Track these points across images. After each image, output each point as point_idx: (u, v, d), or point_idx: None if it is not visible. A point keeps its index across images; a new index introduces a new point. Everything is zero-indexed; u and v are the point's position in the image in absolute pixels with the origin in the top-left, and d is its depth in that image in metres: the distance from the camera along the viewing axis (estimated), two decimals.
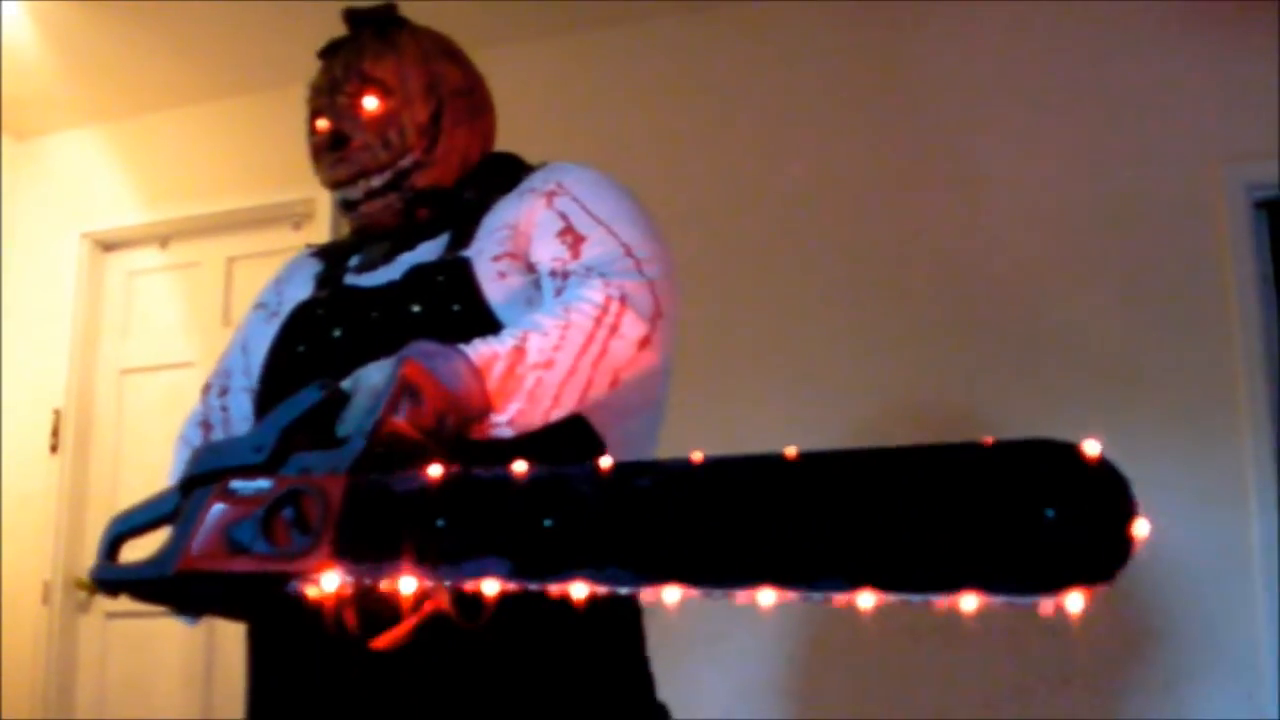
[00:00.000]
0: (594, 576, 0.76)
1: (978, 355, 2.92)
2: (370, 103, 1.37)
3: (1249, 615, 2.59)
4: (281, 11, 3.41)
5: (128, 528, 1.00)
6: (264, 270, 4.00)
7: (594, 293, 1.16)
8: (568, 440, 1.16)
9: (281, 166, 3.81)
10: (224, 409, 1.42)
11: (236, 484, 0.90)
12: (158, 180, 3.96)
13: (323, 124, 1.39)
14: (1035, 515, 0.71)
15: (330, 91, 1.39)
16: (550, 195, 1.30)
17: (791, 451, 0.76)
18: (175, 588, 0.91)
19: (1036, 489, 0.72)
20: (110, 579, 0.97)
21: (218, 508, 0.89)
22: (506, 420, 1.09)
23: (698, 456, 0.79)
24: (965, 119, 3.08)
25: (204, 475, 0.93)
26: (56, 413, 3.87)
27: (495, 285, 1.25)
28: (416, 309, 1.24)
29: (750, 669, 2.93)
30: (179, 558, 0.88)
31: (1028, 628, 2.73)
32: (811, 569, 0.72)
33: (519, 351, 1.10)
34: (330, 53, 1.43)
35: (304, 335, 1.32)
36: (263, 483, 0.89)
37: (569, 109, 3.44)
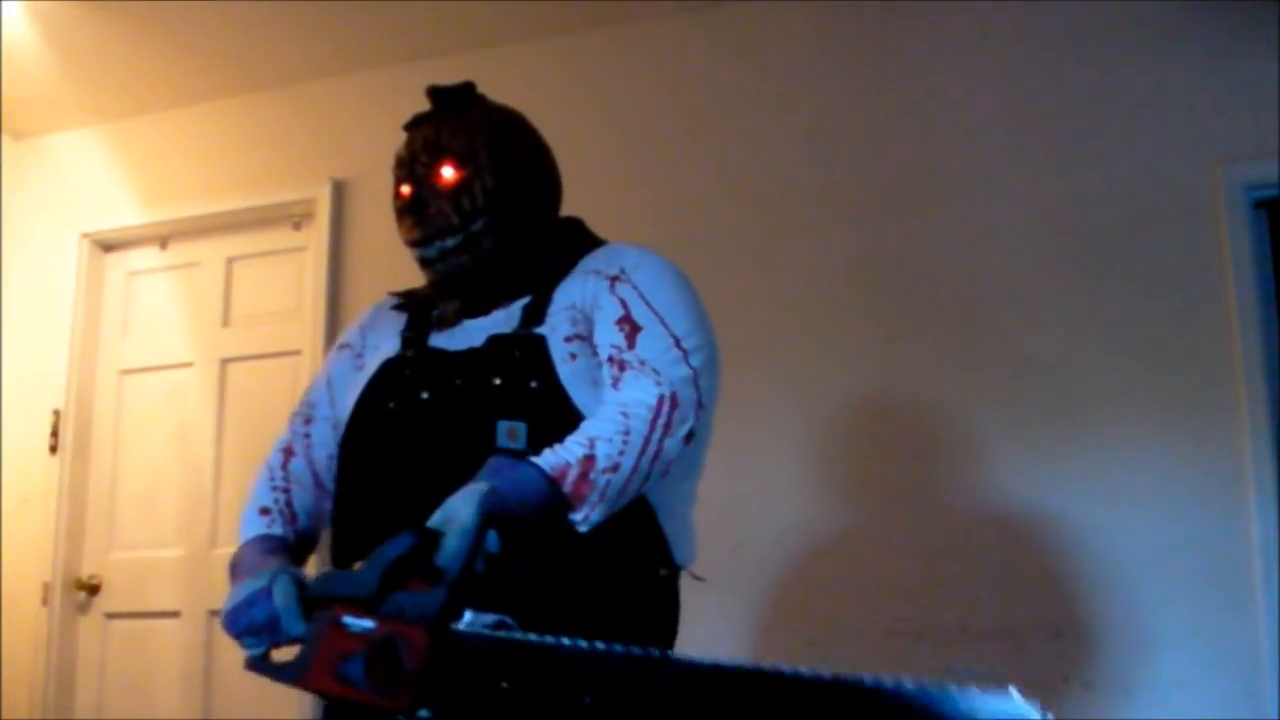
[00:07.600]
0: None
1: (974, 354, 2.92)
2: (445, 172, 1.51)
3: (1249, 615, 2.59)
4: (281, 11, 3.41)
5: (246, 626, 1.27)
6: (264, 270, 4.02)
7: (648, 395, 1.33)
8: (623, 513, 1.32)
9: (281, 166, 3.81)
10: (307, 436, 1.58)
11: (348, 620, 1.11)
12: (157, 180, 3.96)
13: (405, 190, 1.54)
14: None
15: (411, 162, 1.54)
16: (614, 280, 1.45)
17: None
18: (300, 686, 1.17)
19: None
20: (257, 670, 1.25)
21: (329, 630, 1.13)
22: (582, 519, 1.27)
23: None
24: (963, 119, 3.08)
25: (320, 599, 1.17)
26: (56, 413, 3.88)
27: (566, 366, 1.39)
28: (498, 381, 1.39)
29: None
30: (306, 675, 1.14)
31: (1028, 628, 2.73)
32: None
33: (589, 459, 1.27)
34: (413, 126, 1.58)
35: (394, 393, 1.47)
36: (367, 623, 1.09)
37: (567, 109, 3.43)
